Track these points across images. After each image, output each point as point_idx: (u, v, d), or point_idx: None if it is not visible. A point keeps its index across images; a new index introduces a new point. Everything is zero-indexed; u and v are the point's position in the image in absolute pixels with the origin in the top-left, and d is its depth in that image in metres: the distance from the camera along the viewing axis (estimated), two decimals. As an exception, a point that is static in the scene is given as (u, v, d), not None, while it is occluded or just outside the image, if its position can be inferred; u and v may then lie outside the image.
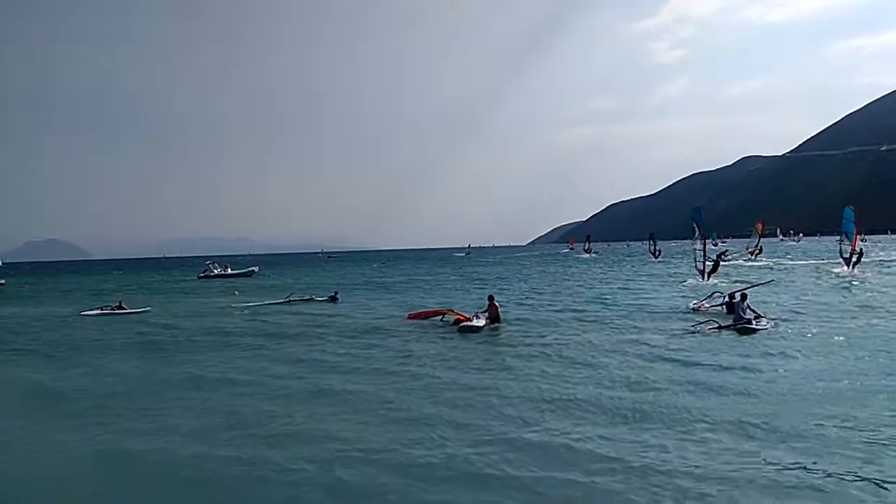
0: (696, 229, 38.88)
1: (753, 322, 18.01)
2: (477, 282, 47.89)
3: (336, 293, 33.58)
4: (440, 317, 21.21)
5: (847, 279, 36.02)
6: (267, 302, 32.83)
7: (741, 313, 18.39)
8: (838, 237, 44.54)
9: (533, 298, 31.51)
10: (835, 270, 41.49)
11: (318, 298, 33.13)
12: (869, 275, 38.24)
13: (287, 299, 33.13)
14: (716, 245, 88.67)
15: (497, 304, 21.37)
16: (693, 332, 17.83)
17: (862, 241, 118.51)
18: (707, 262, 37.86)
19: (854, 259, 40.42)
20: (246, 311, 29.39)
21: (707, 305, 22.88)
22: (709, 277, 36.83)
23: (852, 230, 40.89)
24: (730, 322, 18.42)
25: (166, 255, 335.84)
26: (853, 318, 20.01)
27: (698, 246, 38.13)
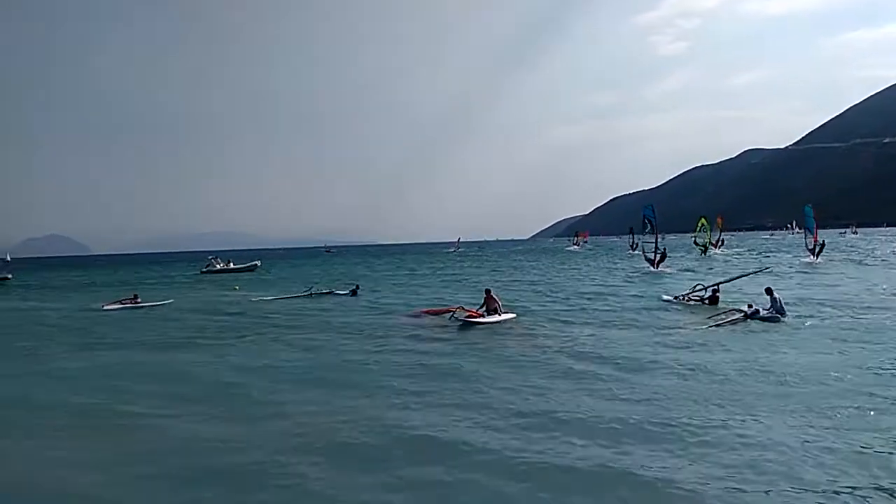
0: (649, 225, 44.95)
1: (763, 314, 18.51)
2: (450, 277, 48.29)
3: (357, 287, 33.74)
4: (450, 314, 21.36)
5: (813, 266, 42.52)
6: (289, 295, 33.04)
7: (774, 305, 18.65)
8: (842, 230, 47.69)
9: (525, 291, 32.18)
10: (804, 260, 47.59)
11: (338, 292, 33.37)
12: (832, 261, 45.54)
13: (309, 292, 33.40)
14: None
15: (495, 297, 21.32)
16: (719, 326, 17.96)
17: (854, 234, 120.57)
18: (657, 254, 43.04)
19: (818, 249, 47.38)
20: (270, 303, 30.12)
21: (692, 297, 23.26)
22: (658, 266, 42.52)
23: (813, 225, 48.47)
24: (755, 311, 18.76)
25: (172, 251, 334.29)
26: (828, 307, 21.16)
27: (650, 239, 43.90)
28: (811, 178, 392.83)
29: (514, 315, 20.94)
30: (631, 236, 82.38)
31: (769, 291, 19.21)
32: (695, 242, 68.37)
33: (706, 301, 22.32)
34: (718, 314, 19.16)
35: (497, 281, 39.34)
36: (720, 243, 76.78)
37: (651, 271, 41.72)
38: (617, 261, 60.93)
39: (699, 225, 68.10)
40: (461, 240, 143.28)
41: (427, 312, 23.23)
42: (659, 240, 43.51)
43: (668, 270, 41.41)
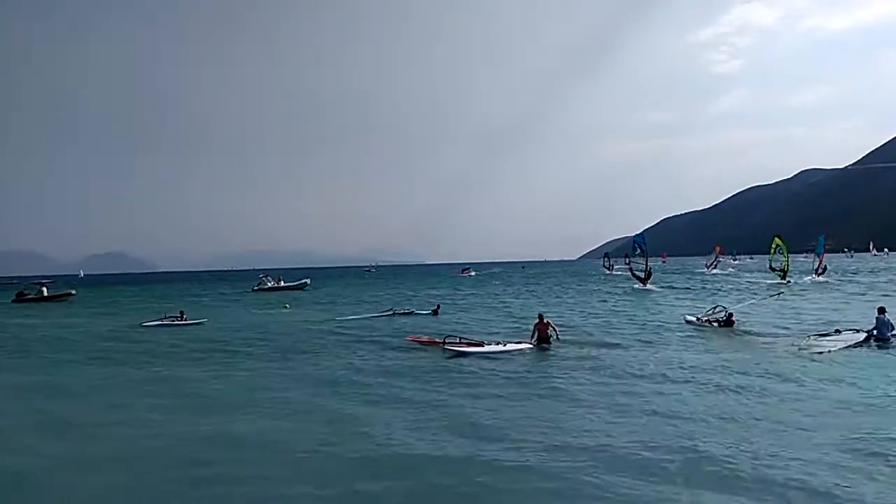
0: (639, 249, 54.56)
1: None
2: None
3: (438, 307, 34.20)
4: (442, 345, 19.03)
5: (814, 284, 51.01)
6: (371, 315, 33.20)
7: (885, 330, 17.71)
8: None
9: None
10: (805, 279, 55.39)
11: (419, 312, 33.65)
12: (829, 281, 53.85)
13: (392, 312, 33.47)
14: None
15: (548, 321, 19.75)
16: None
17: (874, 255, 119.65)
18: (645, 273, 52.55)
19: (820, 270, 58.24)
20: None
21: (711, 319, 22.91)
22: (646, 283, 51.25)
23: (821, 252, 60.96)
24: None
25: (233, 268, 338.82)
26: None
27: (640, 261, 53.94)
28: (873, 198, 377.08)
29: (528, 345, 18.92)
30: (607, 259, 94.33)
31: (881, 311, 18.12)
32: (771, 268, 57.15)
33: (721, 323, 22.06)
34: (824, 335, 18.25)
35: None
36: (714, 265, 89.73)
37: (640, 288, 50.30)
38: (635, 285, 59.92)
39: (773, 246, 56.09)
40: (472, 268, 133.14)
41: (415, 340, 21.39)
42: (649, 262, 53.90)
43: (653, 287, 50.33)
